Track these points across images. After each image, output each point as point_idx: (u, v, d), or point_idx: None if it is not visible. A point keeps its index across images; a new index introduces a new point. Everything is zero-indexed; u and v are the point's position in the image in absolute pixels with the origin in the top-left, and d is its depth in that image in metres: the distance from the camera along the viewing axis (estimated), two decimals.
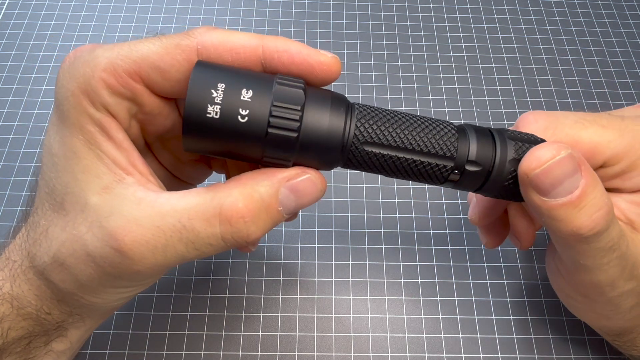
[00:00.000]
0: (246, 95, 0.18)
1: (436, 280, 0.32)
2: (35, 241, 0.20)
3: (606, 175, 0.22)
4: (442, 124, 0.20)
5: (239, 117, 0.18)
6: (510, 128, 0.22)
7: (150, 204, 0.18)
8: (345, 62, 0.41)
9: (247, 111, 0.18)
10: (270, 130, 0.18)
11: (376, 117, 0.19)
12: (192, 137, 0.18)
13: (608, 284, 0.21)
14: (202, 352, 0.29)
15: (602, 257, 0.20)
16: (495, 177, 0.20)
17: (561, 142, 0.19)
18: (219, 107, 0.17)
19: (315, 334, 0.30)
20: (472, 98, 0.39)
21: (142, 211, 0.18)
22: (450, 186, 0.21)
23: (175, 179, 0.26)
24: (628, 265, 0.21)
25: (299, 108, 0.18)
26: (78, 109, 0.18)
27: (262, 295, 0.31)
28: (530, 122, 0.22)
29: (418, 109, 0.39)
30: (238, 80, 0.18)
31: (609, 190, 0.22)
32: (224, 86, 0.18)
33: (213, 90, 0.17)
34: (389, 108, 0.20)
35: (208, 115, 0.17)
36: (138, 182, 0.19)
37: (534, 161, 0.18)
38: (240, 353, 0.29)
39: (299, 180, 0.18)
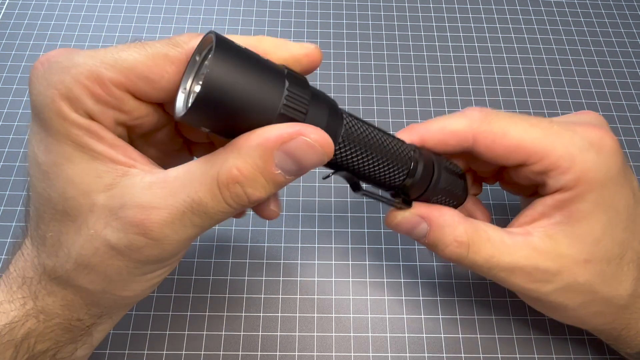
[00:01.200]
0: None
1: (436, 280, 0.32)
2: (50, 254, 0.19)
3: (530, 171, 0.24)
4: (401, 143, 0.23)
5: (261, 55, 0.19)
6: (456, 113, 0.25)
7: (161, 186, 0.18)
8: (345, 62, 0.41)
9: (268, 58, 0.19)
10: (287, 70, 0.19)
11: (360, 122, 0.22)
12: (220, 61, 0.17)
13: (519, 290, 0.24)
14: (202, 352, 0.29)
15: (488, 272, 0.24)
16: (436, 177, 0.24)
17: (411, 211, 0.24)
18: (243, 45, 0.18)
19: (315, 334, 0.30)
20: (472, 98, 0.39)
21: (154, 194, 0.18)
22: (409, 182, 0.23)
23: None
24: (534, 272, 0.23)
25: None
26: (60, 115, 0.18)
27: (262, 295, 0.31)
28: (474, 111, 0.25)
29: (418, 109, 0.39)
30: None
31: (536, 185, 0.25)
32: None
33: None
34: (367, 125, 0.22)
35: (237, 42, 0.18)
36: (143, 170, 0.19)
37: (388, 218, 0.25)
38: (240, 353, 0.29)
39: (293, 143, 0.18)
